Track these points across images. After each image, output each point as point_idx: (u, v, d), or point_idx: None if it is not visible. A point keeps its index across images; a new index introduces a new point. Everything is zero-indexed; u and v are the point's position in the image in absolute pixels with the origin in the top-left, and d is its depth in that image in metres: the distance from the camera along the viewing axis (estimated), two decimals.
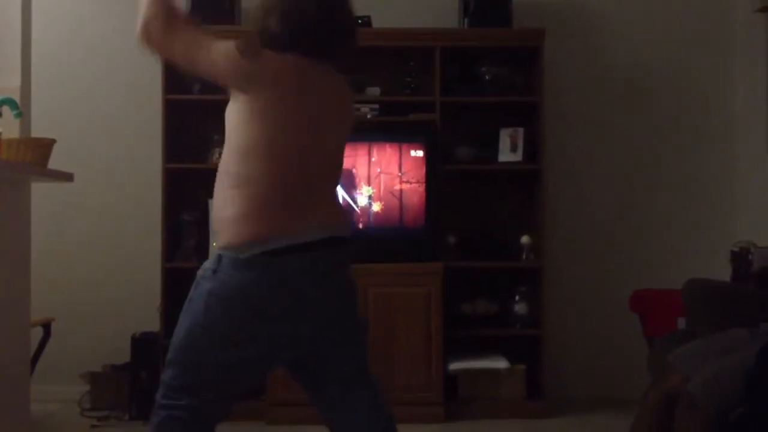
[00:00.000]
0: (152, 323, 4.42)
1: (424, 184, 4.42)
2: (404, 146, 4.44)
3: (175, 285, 4.49)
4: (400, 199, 4.43)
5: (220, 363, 2.08)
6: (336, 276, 2.14)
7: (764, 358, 2.38)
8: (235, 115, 2.11)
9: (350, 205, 4.10)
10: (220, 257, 2.06)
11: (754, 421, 2.35)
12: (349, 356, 2.21)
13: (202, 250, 4.47)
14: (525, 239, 4.57)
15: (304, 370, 2.22)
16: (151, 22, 2.07)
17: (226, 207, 2.09)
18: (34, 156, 3.14)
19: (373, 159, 4.43)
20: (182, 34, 2.09)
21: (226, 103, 2.16)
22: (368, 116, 4.49)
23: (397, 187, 4.43)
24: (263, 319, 2.05)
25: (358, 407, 2.22)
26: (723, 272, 3.90)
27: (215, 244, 2.15)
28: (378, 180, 4.42)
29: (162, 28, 2.07)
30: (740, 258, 3.79)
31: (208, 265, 2.10)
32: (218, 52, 2.07)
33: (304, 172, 2.11)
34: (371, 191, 4.41)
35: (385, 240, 4.35)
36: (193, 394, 2.09)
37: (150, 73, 4.59)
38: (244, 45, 2.07)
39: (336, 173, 2.25)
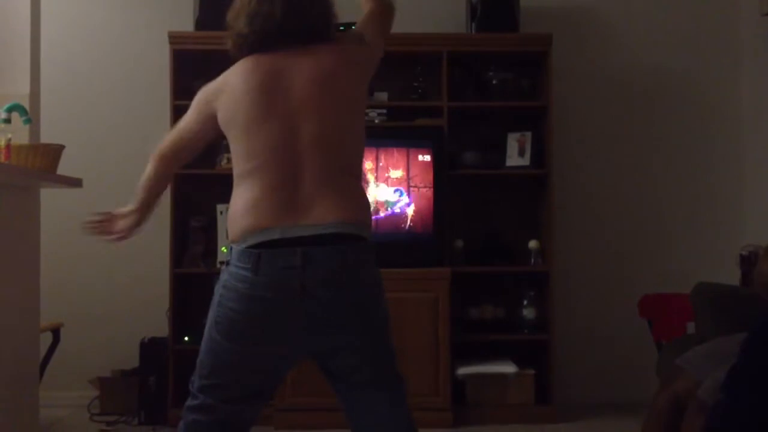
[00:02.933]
0: (161, 328, 4.43)
1: (431, 189, 4.43)
2: (412, 151, 4.44)
3: (184, 290, 4.51)
4: (408, 204, 4.44)
5: (234, 357, 2.10)
6: (335, 274, 2.06)
7: (747, 351, 2.35)
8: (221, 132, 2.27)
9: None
10: (231, 250, 2.13)
11: (734, 415, 2.33)
12: (362, 360, 2.16)
13: (210, 255, 4.48)
14: (533, 244, 4.57)
15: (323, 370, 2.22)
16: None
17: (230, 204, 2.18)
18: (44, 162, 3.15)
19: (380, 164, 4.44)
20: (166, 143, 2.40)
21: None
22: (376, 121, 4.50)
23: (405, 191, 4.44)
24: (267, 310, 2.06)
25: (376, 409, 2.19)
26: (731, 276, 3.89)
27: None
28: (385, 185, 4.43)
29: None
30: (749, 262, 3.78)
31: (225, 258, 2.17)
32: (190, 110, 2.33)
33: (284, 165, 2.10)
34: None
35: (393, 245, 4.35)
36: (211, 391, 2.12)
37: (158, 79, 4.62)
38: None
39: (335, 159, 2.14)
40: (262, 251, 2.04)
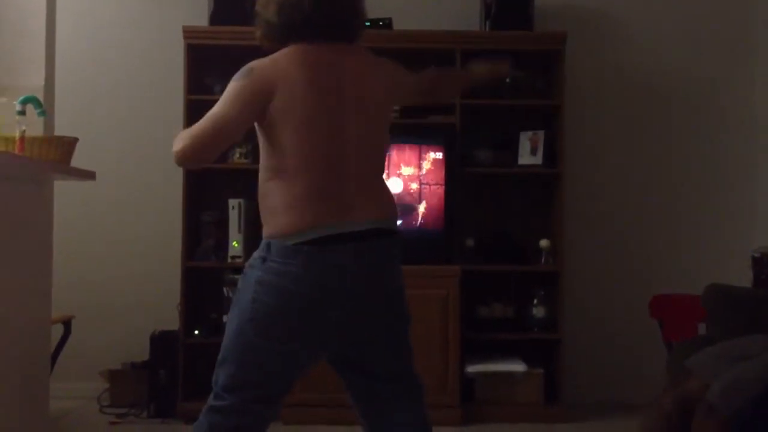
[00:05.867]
0: (172, 322, 4.45)
1: (443, 187, 4.42)
2: (424, 148, 4.44)
3: (195, 284, 4.52)
4: (419, 201, 4.44)
5: (267, 355, 2.09)
6: (377, 269, 2.11)
7: None
8: (259, 119, 2.15)
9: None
10: (269, 245, 2.09)
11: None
12: (385, 354, 2.19)
13: (221, 249, 4.49)
14: (544, 243, 4.56)
15: (343, 362, 2.23)
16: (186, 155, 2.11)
17: (267, 197, 2.14)
18: (57, 154, 3.16)
19: (392, 161, 4.43)
20: (198, 131, 2.11)
21: None
22: None
23: (416, 188, 4.44)
24: (309, 307, 2.06)
25: (392, 404, 2.21)
26: (743, 278, 3.87)
27: (263, 233, 2.15)
28: (397, 182, 4.43)
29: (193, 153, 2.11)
30: (761, 263, 3.76)
31: (257, 254, 2.12)
32: (223, 97, 2.13)
33: (334, 161, 2.11)
34: None
35: (404, 242, 4.34)
36: (240, 392, 2.11)
37: (172, 73, 4.63)
38: (240, 73, 2.15)
39: (373, 157, 2.19)
40: (310, 248, 2.04)
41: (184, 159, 2.11)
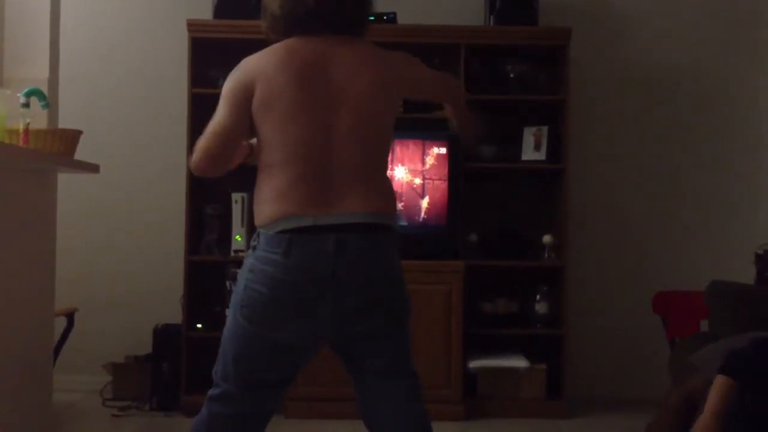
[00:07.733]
0: (174, 315, 4.45)
1: (446, 182, 4.42)
2: (427, 143, 4.44)
3: (198, 277, 4.53)
4: (423, 196, 4.44)
5: (261, 343, 2.10)
6: (366, 261, 2.09)
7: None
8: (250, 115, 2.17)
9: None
10: (258, 235, 2.13)
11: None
12: (382, 350, 2.18)
13: (224, 243, 4.49)
14: (547, 238, 4.56)
15: (344, 356, 2.23)
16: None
17: (257, 190, 2.18)
18: (61, 147, 3.17)
19: (396, 155, 4.43)
20: (203, 142, 2.19)
21: None
22: None
23: (420, 183, 4.44)
24: (298, 296, 2.06)
25: (392, 399, 2.20)
26: (746, 274, 3.87)
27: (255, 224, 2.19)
28: (400, 177, 4.43)
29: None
30: (764, 260, 3.76)
31: (251, 243, 2.16)
32: (220, 101, 2.18)
33: (318, 154, 2.10)
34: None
35: (407, 237, 4.34)
36: (236, 379, 2.12)
37: (176, 66, 4.63)
38: (231, 72, 2.20)
39: (367, 150, 2.15)
40: (293, 236, 2.05)
41: (200, 171, 2.19)
